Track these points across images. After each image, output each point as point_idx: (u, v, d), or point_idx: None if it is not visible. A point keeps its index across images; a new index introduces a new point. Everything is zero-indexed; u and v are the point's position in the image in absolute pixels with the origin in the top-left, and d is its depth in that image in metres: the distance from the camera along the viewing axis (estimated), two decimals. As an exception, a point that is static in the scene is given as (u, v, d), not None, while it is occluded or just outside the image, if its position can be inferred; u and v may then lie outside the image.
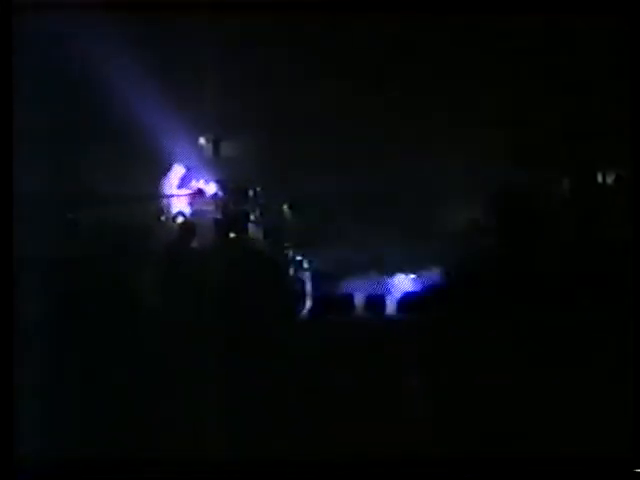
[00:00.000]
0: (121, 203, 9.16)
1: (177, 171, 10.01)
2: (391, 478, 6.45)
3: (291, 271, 9.15)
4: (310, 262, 9.18)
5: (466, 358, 7.03)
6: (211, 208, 9.87)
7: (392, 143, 9.07)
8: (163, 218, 9.74)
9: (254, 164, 9.77)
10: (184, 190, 10.02)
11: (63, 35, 8.11)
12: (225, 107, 9.07)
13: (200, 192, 10.06)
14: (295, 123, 9.33)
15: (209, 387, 6.98)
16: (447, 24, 8.30)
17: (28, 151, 7.24)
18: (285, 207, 9.59)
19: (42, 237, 7.99)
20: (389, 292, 8.82)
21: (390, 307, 8.64)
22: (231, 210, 9.76)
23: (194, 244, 9.10)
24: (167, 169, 9.95)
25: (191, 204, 9.95)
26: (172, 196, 9.91)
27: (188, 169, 10.05)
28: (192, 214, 9.81)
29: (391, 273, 8.95)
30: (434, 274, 8.58)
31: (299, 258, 9.21)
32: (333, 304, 8.55)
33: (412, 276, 8.85)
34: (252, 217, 9.61)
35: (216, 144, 10.00)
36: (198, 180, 10.12)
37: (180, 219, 9.65)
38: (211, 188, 10.05)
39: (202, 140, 10.02)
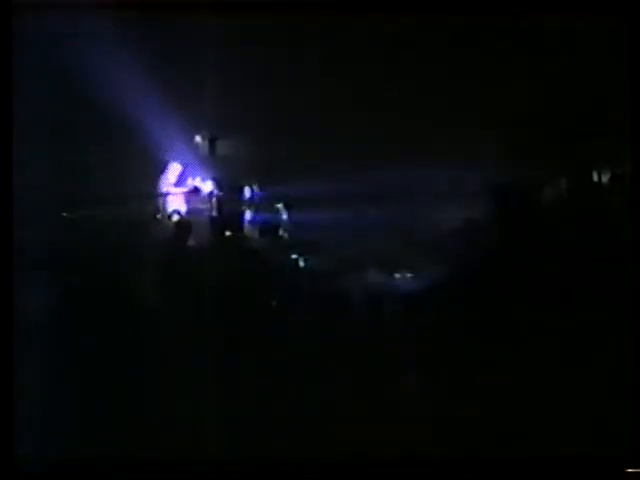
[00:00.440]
0: (117, 201, 9.16)
1: (173, 169, 10.01)
2: (391, 478, 6.45)
3: (287, 269, 9.16)
4: (306, 261, 9.18)
5: (465, 358, 7.04)
6: (207, 206, 9.86)
7: (391, 143, 9.08)
8: (159, 216, 9.73)
9: (250, 162, 9.76)
10: (180, 188, 10.02)
11: (63, 35, 8.11)
12: (221, 106, 9.07)
13: (196, 190, 10.05)
14: (292, 122, 9.33)
15: (208, 387, 6.98)
16: (446, 24, 8.30)
17: (27, 150, 7.23)
18: (281, 205, 9.60)
19: (39, 235, 7.98)
20: (386, 291, 8.82)
21: (388, 306, 8.63)
22: (227, 208, 9.75)
23: (190, 242, 9.09)
24: (163, 167, 9.95)
25: (187, 202, 9.94)
26: (168, 194, 9.90)
27: (184, 167, 10.05)
28: (188, 212, 9.80)
29: (388, 272, 8.96)
30: (433, 273, 8.58)
31: (295, 256, 9.21)
32: (330, 303, 8.54)
33: (409, 275, 8.86)
34: (248, 215, 9.61)
35: (212, 142, 9.99)
36: (194, 178, 10.11)
37: (176, 217, 9.63)
38: (207, 186, 10.05)
39: (198, 138, 10.02)
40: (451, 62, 8.78)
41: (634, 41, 6.79)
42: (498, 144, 8.75)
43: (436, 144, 8.87)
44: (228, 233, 9.32)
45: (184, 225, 9.40)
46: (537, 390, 6.80)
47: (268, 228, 9.59)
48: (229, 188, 9.81)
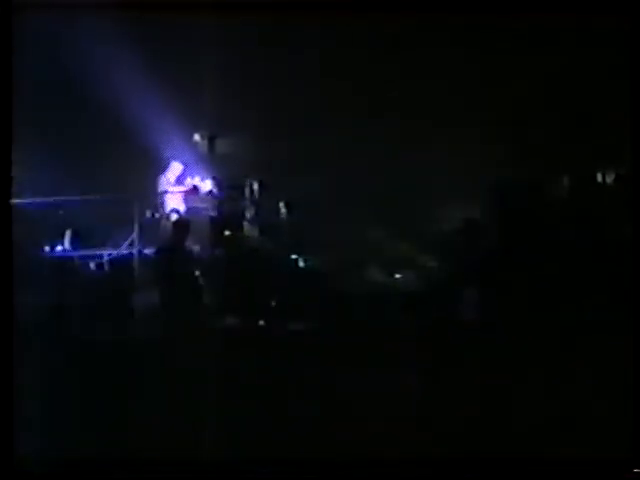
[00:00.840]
0: (116, 200, 9.15)
1: (172, 168, 10.01)
2: (391, 478, 6.45)
3: (287, 268, 9.15)
4: (306, 260, 9.18)
5: (466, 358, 7.05)
6: (206, 205, 9.86)
7: (389, 142, 9.09)
8: (157, 215, 9.72)
9: (250, 161, 9.77)
10: (179, 187, 10.01)
11: (63, 35, 8.11)
12: (221, 105, 9.07)
13: (195, 189, 10.05)
14: (291, 121, 9.34)
15: (208, 387, 6.97)
16: (446, 24, 8.31)
17: (27, 149, 7.23)
18: (281, 204, 9.58)
19: (37, 233, 7.99)
20: (386, 290, 8.83)
21: (388, 305, 8.63)
22: (226, 207, 9.75)
23: (188, 241, 9.08)
24: (162, 166, 9.95)
25: (186, 201, 9.94)
26: (167, 193, 9.90)
27: (183, 166, 10.04)
28: (187, 211, 9.80)
29: (387, 270, 8.96)
30: (431, 273, 8.60)
31: (295, 256, 9.21)
32: (330, 303, 8.54)
33: (407, 274, 8.87)
34: (247, 214, 9.60)
35: (211, 141, 10.00)
36: (193, 177, 10.11)
37: (174, 216, 9.62)
38: (206, 185, 10.04)
39: (197, 137, 10.02)
40: (450, 62, 8.79)
41: (634, 41, 6.79)
42: (498, 144, 8.76)
43: (435, 144, 8.89)
44: (227, 232, 9.33)
45: (183, 224, 9.38)
46: (537, 391, 6.80)
47: (268, 227, 9.58)
48: (228, 187, 9.82)
